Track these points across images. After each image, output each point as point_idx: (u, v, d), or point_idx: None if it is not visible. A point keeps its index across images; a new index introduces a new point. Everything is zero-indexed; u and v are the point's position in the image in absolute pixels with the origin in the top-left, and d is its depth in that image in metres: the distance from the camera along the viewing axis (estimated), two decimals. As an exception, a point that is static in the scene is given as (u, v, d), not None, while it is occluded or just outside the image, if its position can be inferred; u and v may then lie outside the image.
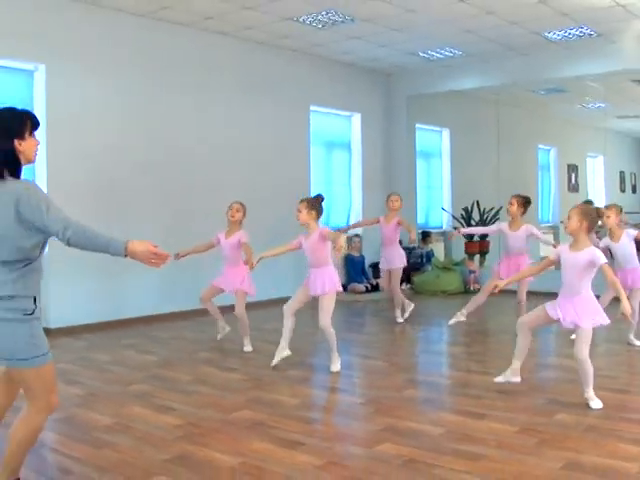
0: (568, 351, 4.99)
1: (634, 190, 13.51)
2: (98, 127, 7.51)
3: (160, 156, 8.04)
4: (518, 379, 4.77)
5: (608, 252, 6.01)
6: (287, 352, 5.60)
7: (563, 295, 4.46)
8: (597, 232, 10.10)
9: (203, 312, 7.09)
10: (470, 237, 10.55)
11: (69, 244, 2.86)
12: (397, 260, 7.67)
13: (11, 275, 2.89)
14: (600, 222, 5.45)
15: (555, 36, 8.81)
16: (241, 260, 6.23)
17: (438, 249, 11.51)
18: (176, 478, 3.37)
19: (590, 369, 4.39)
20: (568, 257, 4.41)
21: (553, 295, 4.58)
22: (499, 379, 4.83)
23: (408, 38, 9.01)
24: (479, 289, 10.06)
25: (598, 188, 12.93)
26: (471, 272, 10.23)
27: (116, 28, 7.66)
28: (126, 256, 2.88)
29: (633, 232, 6.13)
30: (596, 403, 4.39)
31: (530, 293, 6.81)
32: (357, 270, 10.30)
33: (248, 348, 6.37)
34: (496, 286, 4.86)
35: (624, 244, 6.07)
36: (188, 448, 3.78)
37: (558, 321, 4.46)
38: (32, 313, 2.92)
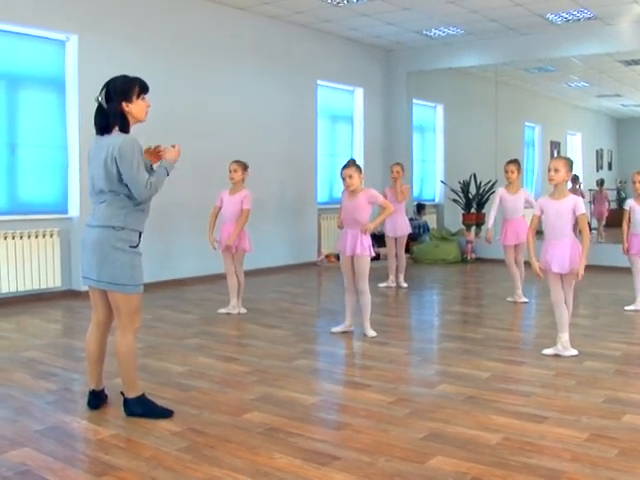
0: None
1: (610, 167, 14.13)
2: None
3: (180, 126, 8.19)
4: (573, 352, 4.79)
5: (628, 214, 6.41)
6: (350, 327, 5.69)
7: (549, 242, 4.74)
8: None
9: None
10: (468, 209, 11.04)
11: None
12: (398, 229, 8.05)
13: (123, 210, 3.44)
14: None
15: (556, 18, 9.24)
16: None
17: (431, 220, 11.99)
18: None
19: (564, 314, 4.71)
20: (552, 205, 4.71)
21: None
22: (548, 351, 4.85)
23: (416, 17, 9.35)
24: (475, 258, 10.62)
25: (576, 165, 13.47)
26: (468, 242, 10.72)
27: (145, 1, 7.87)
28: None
29: None
30: (571, 351, 4.74)
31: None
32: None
33: (232, 310, 6.51)
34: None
35: None
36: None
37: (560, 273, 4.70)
38: (136, 246, 3.50)
